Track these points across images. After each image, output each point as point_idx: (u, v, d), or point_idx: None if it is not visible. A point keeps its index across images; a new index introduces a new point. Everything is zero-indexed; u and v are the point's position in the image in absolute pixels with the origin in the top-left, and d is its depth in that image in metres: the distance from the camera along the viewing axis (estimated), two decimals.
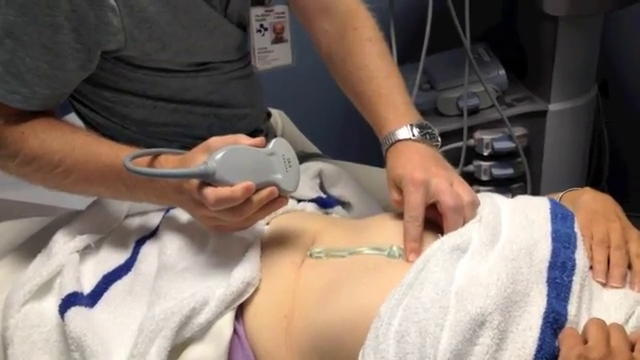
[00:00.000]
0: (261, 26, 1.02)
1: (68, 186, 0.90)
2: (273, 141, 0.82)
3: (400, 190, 0.85)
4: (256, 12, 1.01)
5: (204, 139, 0.83)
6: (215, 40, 0.99)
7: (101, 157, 0.87)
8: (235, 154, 0.78)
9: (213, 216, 0.81)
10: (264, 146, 0.81)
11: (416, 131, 0.90)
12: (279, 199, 0.81)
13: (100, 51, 0.90)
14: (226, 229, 0.84)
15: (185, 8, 0.93)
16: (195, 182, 0.79)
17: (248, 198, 0.78)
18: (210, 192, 0.77)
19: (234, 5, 0.99)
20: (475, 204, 0.83)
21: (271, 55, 1.04)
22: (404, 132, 0.90)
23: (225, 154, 0.77)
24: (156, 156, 0.86)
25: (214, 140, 0.81)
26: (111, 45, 0.90)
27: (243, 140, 0.81)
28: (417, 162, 0.85)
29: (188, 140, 0.97)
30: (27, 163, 0.89)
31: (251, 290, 0.82)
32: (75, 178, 0.89)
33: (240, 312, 0.82)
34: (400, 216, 0.84)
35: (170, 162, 0.85)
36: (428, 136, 0.90)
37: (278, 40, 1.04)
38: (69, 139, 0.89)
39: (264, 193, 0.79)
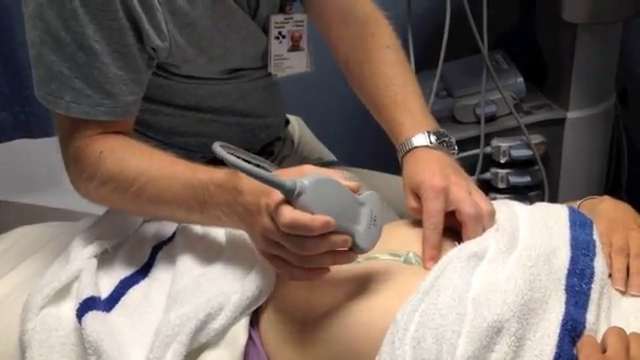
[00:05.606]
0: (279, 33, 1.03)
1: (142, 205, 0.88)
2: (368, 193, 0.76)
3: (417, 197, 0.85)
4: (276, 19, 1.02)
5: None
6: (247, 46, 0.99)
7: (176, 174, 0.85)
8: (328, 186, 0.73)
9: (276, 241, 0.74)
10: (358, 192, 0.75)
11: (433, 138, 0.90)
12: (348, 252, 0.74)
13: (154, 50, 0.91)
14: (277, 266, 0.76)
15: (223, 13, 0.94)
16: (276, 196, 0.72)
17: (322, 234, 0.71)
18: (288, 211, 0.71)
19: (262, 11, 1.00)
20: (493, 214, 0.82)
21: (286, 62, 1.05)
22: (421, 139, 0.90)
23: (319, 180, 0.72)
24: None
25: (310, 167, 0.77)
26: (160, 51, 0.90)
27: (340, 176, 0.75)
28: (436, 169, 0.85)
29: (211, 152, 0.97)
30: (104, 183, 0.88)
31: (266, 296, 0.82)
32: (149, 195, 0.86)
33: (255, 318, 0.82)
34: (416, 223, 0.84)
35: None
36: (445, 144, 0.90)
37: (295, 48, 1.04)
38: (145, 157, 0.88)
39: (340, 238, 0.73)
